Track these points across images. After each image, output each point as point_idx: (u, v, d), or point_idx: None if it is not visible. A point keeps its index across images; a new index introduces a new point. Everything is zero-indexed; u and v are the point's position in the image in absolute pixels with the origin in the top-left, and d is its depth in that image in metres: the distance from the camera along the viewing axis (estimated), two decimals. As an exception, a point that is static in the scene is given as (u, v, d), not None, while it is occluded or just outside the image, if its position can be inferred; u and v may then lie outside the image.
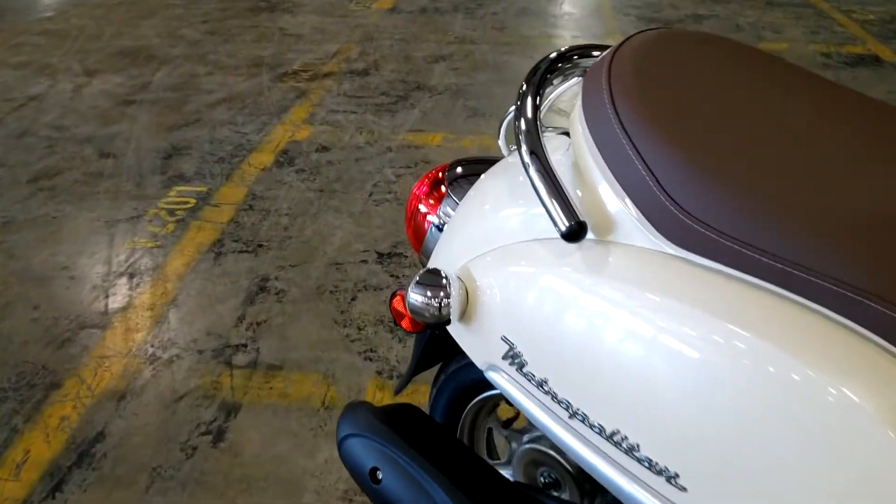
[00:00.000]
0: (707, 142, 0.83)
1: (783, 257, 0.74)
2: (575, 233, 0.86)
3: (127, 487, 1.71)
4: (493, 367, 1.04)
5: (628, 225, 0.87)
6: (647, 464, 0.84)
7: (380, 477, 1.15)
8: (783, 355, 0.72)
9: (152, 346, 2.14)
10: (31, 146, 3.29)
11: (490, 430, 1.47)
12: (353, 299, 2.33)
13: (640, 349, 0.83)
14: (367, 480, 1.16)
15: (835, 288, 0.71)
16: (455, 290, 1.04)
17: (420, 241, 1.26)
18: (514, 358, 0.99)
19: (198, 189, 2.94)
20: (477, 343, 1.07)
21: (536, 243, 0.97)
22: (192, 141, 3.32)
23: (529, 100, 1.01)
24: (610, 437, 0.87)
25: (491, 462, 1.42)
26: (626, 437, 0.86)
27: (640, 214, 0.85)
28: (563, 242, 0.88)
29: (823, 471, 0.70)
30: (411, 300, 1.06)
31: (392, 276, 2.44)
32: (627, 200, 0.87)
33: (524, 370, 0.98)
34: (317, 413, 1.92)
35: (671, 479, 0.82)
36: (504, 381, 1.02)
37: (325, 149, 3.23)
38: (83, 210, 2.81)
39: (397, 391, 1.46)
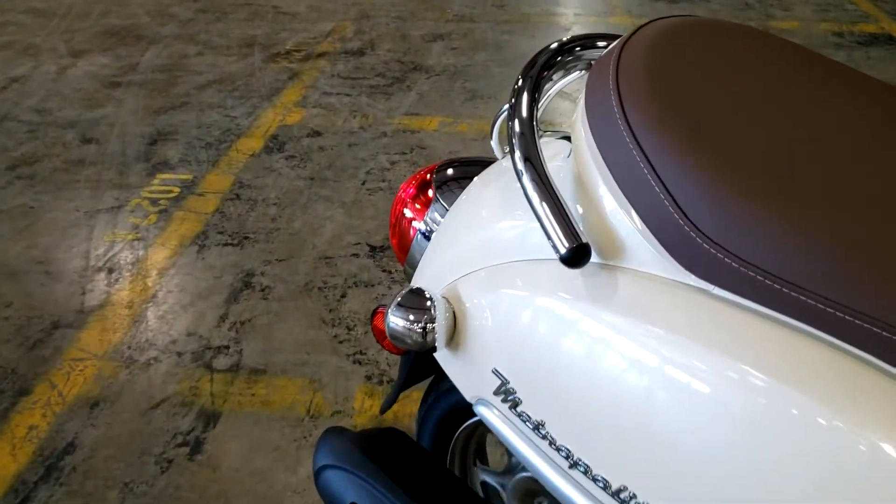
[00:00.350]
0: (734, 156, 0.70)
1: (825, 296, 0.62)
2: (576, 257, 0.73)
3: (96, 505, 1.60)
4: (483, 402, 0.92)
5: (640, 249, 0.74)
6: (656, 529, 0.71)
7: (359, 513, 1.03)
8: (822, 410, 0.60)
9: (129, 347, 2.02)
10: (11, 131, 3.15)
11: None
12: (342, 296, 2.20)
13: (653, 395, 0.71)
14: (345, 516, 1.04)
15: (885, 334, 0.59)
16: (441, 314, 0.92)
17: (405, 250, 1.14)
18: (506, 394, 0.87)
19: (182, 177, 2.81)
20: (465, 373, 0.95)
21: (534, 264, 0.85)
22: (179, 125, 3.19)
23: (525, 97, 0.88)
24: (616, 494, 0.75)
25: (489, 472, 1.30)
26: (634, 496, 0.74)
27: (655, 239, 0.73)
28: (567, 268, 0.75)
29: None
30: (392, 325, 0.93)
31: (384, 271, 2.31)
32: (638, 221, 0.74)
33: (518, 409, 0.85)
34: (301, 423, 1.80)
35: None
36: (495, 418, 0.90)
37: (316, 133, 3.10)
38: (62, 200, 2.68)
39: (382, 411, 1.34)
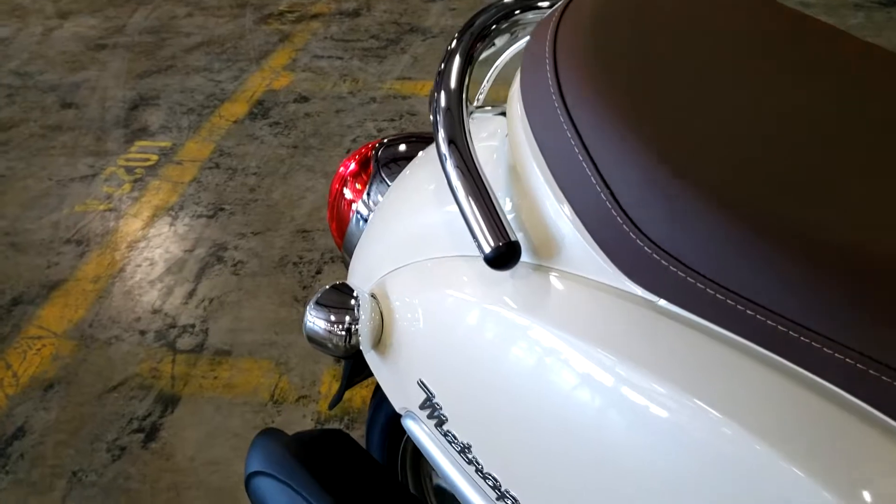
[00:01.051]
0: (686, 141, 0.57)
1: (782, 315, 0.50)
2: (503, 257, 0.61)
3: (42, 495, 1.51)
4: (411, 415, 0.81)
5: (577, 250, 0.62)
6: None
7: (289, 526, 0.93)
8: (773, 453, 0.49)
9: (90, 325, 1.92)
10: (-10, 95, 3.04)
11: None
12: (317, 272, 2.09)
13: (579, 424, 0.59)
14: (275, 529, 0.93)
15: (846, 360, 0.48)
16: (367, 313, 0.81)
17: (343, 234, 1.02)
18: (432, 410, 0.75)
19: (161, 144, 2.70)
20: (393, 381, 0.84)
21: (461, 261, 0.73)
22: (162, 90, 3.06)
23: (456, 64, 0.75)
24: (545, 534, 0.64)
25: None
26: (564, 538, 0.62)
27: (591, 238, 0.61)
28: (492, 269, 0.63)
29: None
30: (309, 326, 0.82)
31: (363, 245, 2.19)
32: (574, 216, 0.62)
33: (444, 428, 0.74)
34: (263, 408, 1.70)
35: None
36: (422, 434, 0.79)
37: (303, 99, 2.97)
38: (35, 167, 2.57)
39: (331, 406, 1.23)
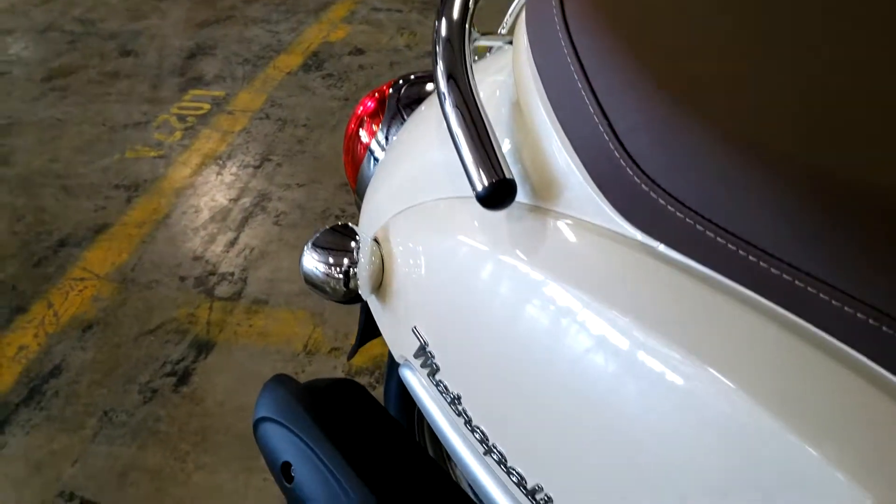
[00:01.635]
0: (692, 71, 0.51)
1: (789, 263, 0.44)
2: (495, 195, 0.56)
3: (72, 432, 1.53)
4: (408, 364, 0.77)
5: (578, 190, 0.57)
6: (575, 541, 0.56)
7: (293, 474, 0.90)
8: (776, 420, 0.43)
9: (132, 269, 1.93)
10: (53, 41, 3.08)
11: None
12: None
13: (569, 377, 0.54)
14: (279, 476, 0.91)
15: (857, 315, 0.42)
16: (367, 257, 0.77)
17: (356, 175, 0.98)
18: (426, 359, 0.71)
19: (214, 94, 2.69)
20: (392, 329, 0.80)
21: (458, 202, 0.68)
22: (220, 40, 3.06)
23: (461, -9, 0.69)
24: (531, 494, 0.60)
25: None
26: (549, 499, 0.58)
27: (588, 174, 0.55)
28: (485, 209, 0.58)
29: None
30: (306, 268, 0.79)
31: (408, 200, 2.16)
32: (572, 151, 0.56)
33: (436, 378, 0.70)
34: (296, 357, 1.68)
35: (606, 570, 0.53)
36: (416, 384, 0.75)
37: (359, 51, 2.92)
38: (91, 113, 2.60)
39: (349, 357, 1.20)
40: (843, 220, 0.42)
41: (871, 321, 0.41)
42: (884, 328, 0.40)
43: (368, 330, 1.11)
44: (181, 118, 2.56)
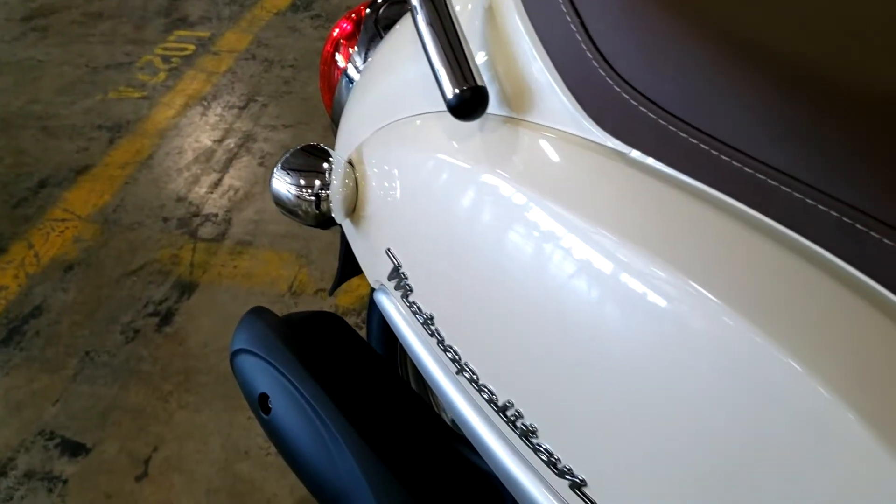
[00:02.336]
0: None
1: (763, 162, 0.41)
2: (466, 103, 0.53)
3: (53, 373, 1.50)
4: (382, 289, 0.74)
5: (551, 99, 0.54)
6: (545, 456, 0.54)
7: (270, 405, 0.88)
8: (746, 327, 0.40)
9: (114, 210, 1.90)
10: (34, -19, 3.00)
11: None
12: (347, 167, 2.02)
13: (538, 290, 0.51)
14: (256, 407, 0.89)
15: (831, 213, 0.39)
16: (339, 179, 0.73)
17: (332, 98, 0.94)
18: (399, 280, 0.69)
19: (199, 34, 2.63)
20: (367, 252, 0.77)
21: (432, 117, 0.65)
22: (205, -20, 2.98)
23: None
24: (502, 411, 0.57)
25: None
26: (520, 415, 0.56)
27: (561, 80, 0.52)
28: (457, 119, 0.55)
29: (798, 495, 0.39)
30: (276, 190, 0.76)
31: (396, 141, 2.11)
32: (547, 61, 0.53)
33: (409, 299, 0.67)
34: (281, 299, 1.66)
35: (577, 486, 0.52)
36: (390, 308, 0.73)
37: (348, -8, 2.86)
38: (72, 54, 2.54)
39: (330, 292, 1.17)
40: (822, 117, 0.39)
41: (844, 219, 0.38)
42: (857, 226, 0.37)
43: (349, 264, 1.08)
44: (165, 59, 2.50)
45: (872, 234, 0.37)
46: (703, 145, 0.43)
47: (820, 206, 0.39)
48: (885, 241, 0.37)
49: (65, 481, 1.32)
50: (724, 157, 0.42)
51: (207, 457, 1.35)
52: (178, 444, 1.38)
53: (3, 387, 1.48)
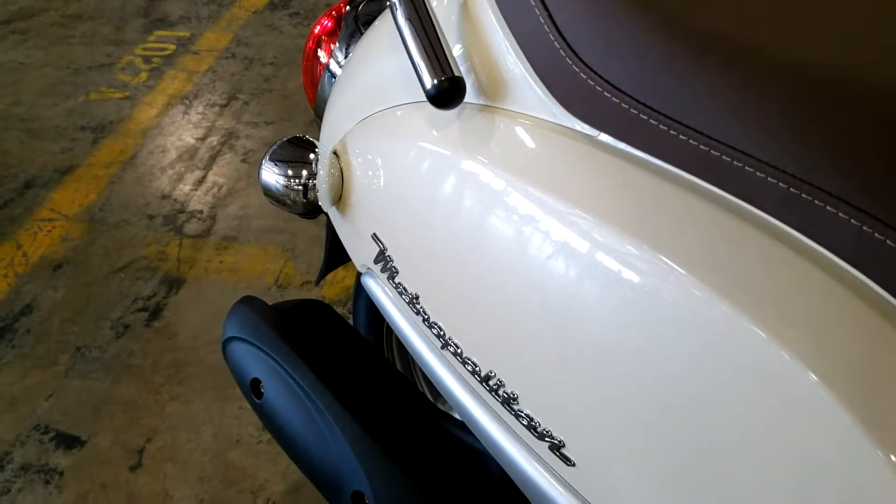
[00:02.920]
0: None
1: (717, 139, 0.45)
2: (444, 93, 0.57)
3: (45, 368, 1.53)
4: (369, 273, 0.78)
5: (523, 87, 0.58)
6: (525, 421, 0.58)
7: (262, 390, 0.92)
8: (711, 295, 0.44)
9: (100, 209, 1.92)
10: (12, -16, 3.01)
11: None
12: (329, 162, 2.06)
13: (516, 267, 0.56)
14: (248, 392, 0.92)
15: (779, 184, 0.43)
16: (325, 169, 0.77)
17: (315, 91, 0.98)
18: (385, 263, 0.73)
19: (179, 34, 2.65)
20: (353, 238, 0.81)
21: (412, 108, 0.69)
22: (184, -20, 3.00)
23: None
24: (485, 381, 0.62)
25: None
26: (501, 383, 0.60)
27: (532, 69, 0.56)
28: (436, 108, 0.60)
29: (763, 455, 0.44)
30: (265, 181, 0.79)
31: (377, 136, 2.15)
32: (519, 52, 0.58)
33: (395, 280, 0.72)
34: (267, 292, 1.69)
35: (556, 447, 0.56)
36: (377, 290, 0.77)
37: (325, -10, 2.89)
38: (53, 56, 2.55)
39: (316, 282, 1.21)
40: (765, 96, 0.44)
41: (791, 189, 0.42)
42: (803, 195, 0.42)
43: (335, 253, 1.12)
44: (146, 59, 2.52)
45: (816, 202, 0.41)
46: (661, 126, 0.47)
47: (769, 179, 0.43)
48: (829, 208, 0.41)
49: (61, 473, 1.35)
50: (681, 137, 0.46)
51: (200, 446, 1.39)
52: (170, 434, 1.41)
53: (-5, 384, 1.51)
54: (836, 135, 0.42)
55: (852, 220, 0.40)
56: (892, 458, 0.38)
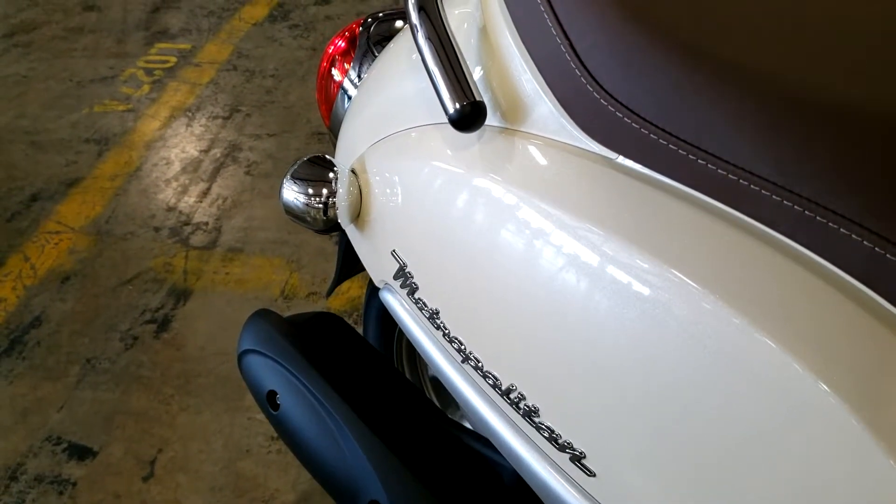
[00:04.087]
0: None
1: (734, 164, 0.48)
2: (467, 117, 0.60)
3: (56, 380, 1.55)
4: (388, 288, 0.81)
5: (542, 110, 0.61)
6: (547, 434, 0.61)
7: (278, 402, 0.94)
8: (724, 309, 0.47)
9: (107, 221, 1.95)
10: (13, -3, 3.04)
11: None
12: (332, 174, 2.08)
13: (536, 284, 0.58)
14: (265, 404, 0.95)
15: (794, 207, 0.46)
16: (345, 187, 0.80)
17: (330, 111, 1.00)
18: (405, 279, 0.75)
19: (181, 46, 2.68)
20: (372, 255, 0.83)
21: (432, 129, 0.71)
22: (184, -8, 3.03)
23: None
24: (506, 394, 0.64)
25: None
26: (522, 397, 0.63)
27: (551, 93, 0.59)
28: (458, 131, 0.62)
29: (779, 465, 0.46)
30: (286, 199, 0.82)
31: (379, 147, 2.18)
32: (537, 73, 0.60)
33: (415, 296, 0.74)
34: (274, 303, 1.72)
35: (577, 458, 0.59)
36: (396, 305, 0.79)
37: (324, 1, 2.91)
38: (56, 69, 2.57)
39: (327, 295, 1.24)
40: (777, 122, 0.46)
41: (806, 212, 0.45)
42: (817, 217, 0.45)
43: (346, 266, 1.14)
44: (148, 72, 2.55)
45: (831, 225, 0.44)
46: (681, 151, 0.50)
47: (785, 202, 0.46)
48: (842, 230, 0.44)
49: (74, 483, 1.37)
50: (699, 161, 0.49)
51: (211, 456, 1.41)
52: (181, 444, 1.43)
53: (7, 395, 1.52)
54: (848, 160, 0.45)
55: (865, 242, 0.43)
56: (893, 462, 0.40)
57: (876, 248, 0.43)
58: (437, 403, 1.25)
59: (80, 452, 1.42)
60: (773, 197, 0.46)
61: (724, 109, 0.48)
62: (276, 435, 1.43)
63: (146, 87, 2.46)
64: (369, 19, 1.00)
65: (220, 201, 2.00)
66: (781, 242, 0.47)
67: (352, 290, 1.74)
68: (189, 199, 2.01)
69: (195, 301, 1.73)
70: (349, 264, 1.14)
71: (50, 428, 1.47)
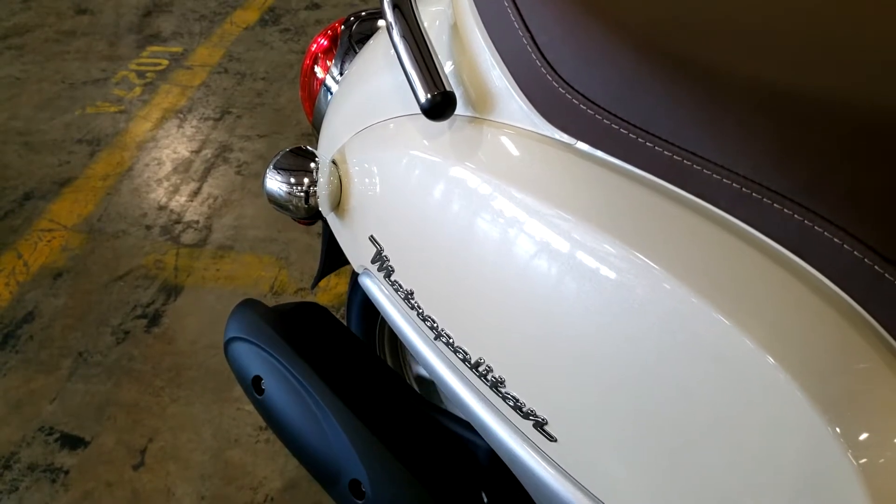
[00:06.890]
0: None
1: (679, 146, 0.52)
2: (437, 106, 0.64)
3: (49, 373, 1.59)
4: (367, 272, 0.85)
5: (508, 100, 0.65)
6: (512, 402, 0.65)
7: (263, 387, 0.98)
8: (676, 284, 0.51)
9: (99, 219, 1.98)
10: (5, 0, 3.07)
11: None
12: (320, 174, 2.13)
13: (503, 263, 0.63)
14: (250, 389, 0.99)
15: (732, 185, 0.50)
16: (325, 177, 0.84)
17: (312, 107, 1.05)
18: (381, 263, 0.79)
19: (172, 50, 2.72)
20: (351, 241, 0.87)
21: (407, 120, 0.76)
22: (176, -3, 3.07)
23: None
24: (475, 367, 0.68)
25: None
26: (490, 369, 0.67)
27: (516, 84, 0.63)
28: (429, 120, 0.67)
29: (724, 431, 0.50)
30: (269, 188, 0.86)
31: (367, 148, 2.22)
32: (504, 69, 0.65)
33: (391, 278, 0.78)
34: (263, 298, 1.75)
35: (539, 424, 0.63)
36: (374, 288, 0.83)
37: (315, 6, 2.96)
38: (49, 71, 2.61)
39: (312, 287, 1.28)
40: (723, 107, 0.51)
41: (743, 189, 0.49)
42: (753, 194, 0.49)
43: (330, 258, 1.18)
44: (140, 74, 2.58)
45: (765, 200, 0.49)
46: (630, 134, 0.54)
47: (724, 180, 0.50)
48: (776, 206, 0.48)
49: (66, 472, 1.40)
50: (648, 144, 0.54)
51: (200, 445, 1.45)
52: (171, 434, 1.47)
53: (1, 387, 1.56)
54: (781, 141, 0.49)
55: (796, 216, 0.47)
56: (838, 430, 0.45)
57: (805, 222, 0.47)
58: (416, 388, 1.29)
59: (73, 442, 1.46)
60: (714, 176, 0.51)
61: (670, 96, 0.53)
62: (264, 425, 1.47)
63: (138, 90, 2.50)
64: (351, 18, 1.05)
65: (210, 200, 2.04)
66: (723, 219, 0.51)
67: (339, 286, 1.78)
68: (180, 199, 2.05)
69: (186, 297, 1.76)
70: (333, 257, 1.18)
71: (43, 419, 1.50)
